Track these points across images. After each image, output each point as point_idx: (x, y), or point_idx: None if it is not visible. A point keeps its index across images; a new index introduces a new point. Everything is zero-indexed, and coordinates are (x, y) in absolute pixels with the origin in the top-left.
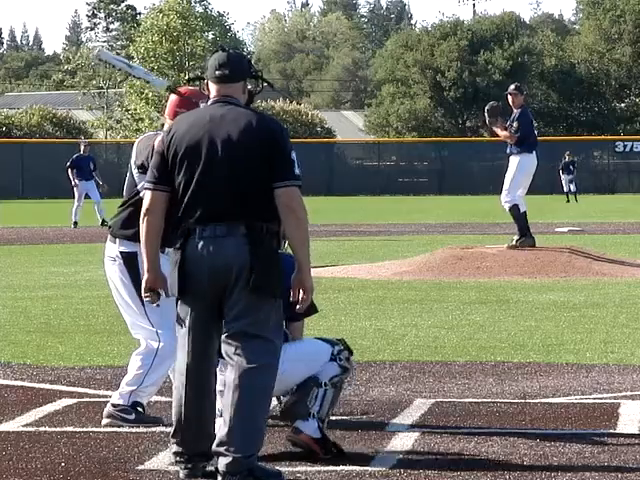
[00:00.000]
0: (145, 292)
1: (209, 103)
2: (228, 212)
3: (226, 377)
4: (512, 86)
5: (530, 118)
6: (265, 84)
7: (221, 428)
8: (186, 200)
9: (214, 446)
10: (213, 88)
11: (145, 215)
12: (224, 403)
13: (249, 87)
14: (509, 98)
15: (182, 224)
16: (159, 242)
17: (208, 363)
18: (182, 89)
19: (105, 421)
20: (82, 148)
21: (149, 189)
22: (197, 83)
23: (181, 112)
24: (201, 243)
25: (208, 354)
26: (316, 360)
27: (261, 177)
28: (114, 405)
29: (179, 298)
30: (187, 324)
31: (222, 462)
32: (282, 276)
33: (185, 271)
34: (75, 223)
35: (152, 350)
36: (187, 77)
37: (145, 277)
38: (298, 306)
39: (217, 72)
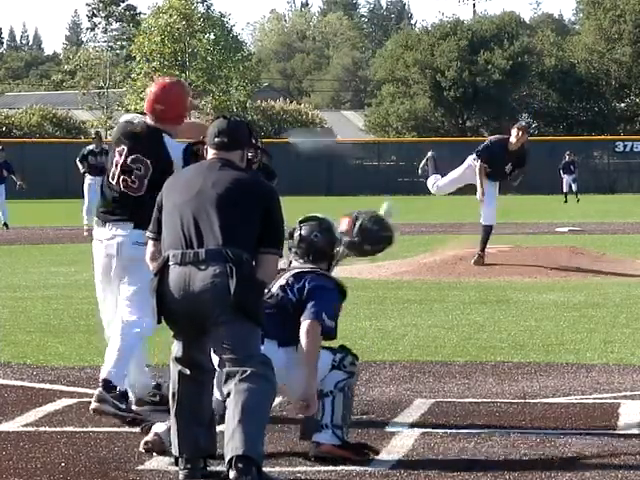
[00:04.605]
0: None
1: (206, 159)
2: (208, 239)
3: (226, 392)
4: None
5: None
6: (264, 153)
7: (225, 437)
8: (169, 226)
9: (226, 459)
10: (210, 152)
11: (150, 262)
12: (226, 419)
13: (249, 155)
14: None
15: (164, 250)
16: None
17: (200, 369)
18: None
19: (95, 405)
20: None
21: (151, 239)
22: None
23: (159, 108)
24: (179, 269)
25: (199, 361)
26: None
27: (246, 220)
28: (108, 388)
29: (165, 322)
30: (179, 336)
31: (232, 473)
32: (263, 306)
33: (163, 297)
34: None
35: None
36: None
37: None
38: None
39: (216, 139)
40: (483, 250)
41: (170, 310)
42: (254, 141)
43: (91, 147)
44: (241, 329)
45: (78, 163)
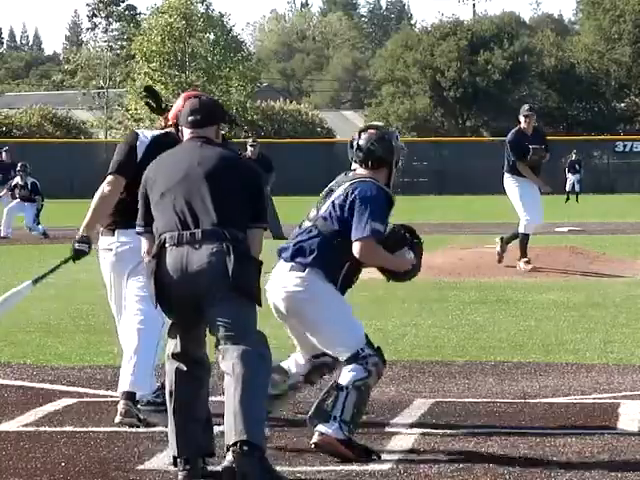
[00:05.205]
0: None
1: (185, 140)
2: (203, 219)
3: (225, 376)
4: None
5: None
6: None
7: (225, 426)
8: (162, 211)
9: (226, 446)
10: (186, 132)
11: (145, 257)
12: (225, 399)
13: (222, 132)
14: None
15: (158, 233)
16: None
17: (196, 364)
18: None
19: (120, 419)
20: (4, 155)
21: (141, 233)
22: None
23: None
24: (176, 250)
25: (196, 357)
26: (346, 331)
27: (235, 196)
28: (132, 399)
29: (161, 307)
30: (174, 331)
31: (235, 459)
32: (259, 283)
33: (161, 279)
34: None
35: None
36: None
37: None
38: None
39: (190, 118)
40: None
41: (167, 292)
42: (229, 118)
43: (17, 180)
44: (238, 307)
45: (5, 191)
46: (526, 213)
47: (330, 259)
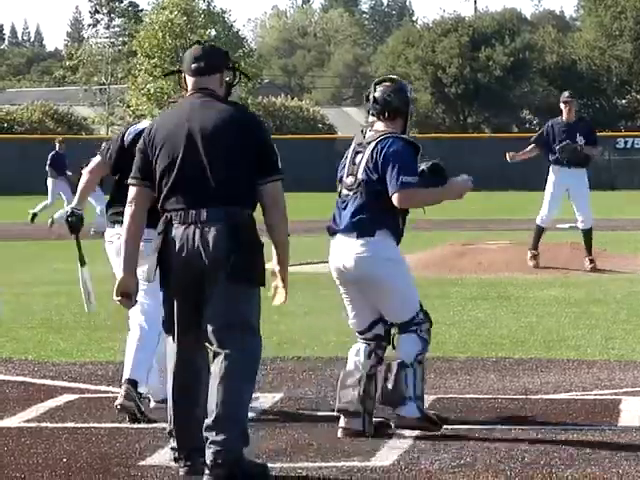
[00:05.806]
0: (117, 296)
1: (187, 95)
2: (209, 198)
3: (211, 368)
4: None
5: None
6: (242, 75)
7: (207, 418)
8: (167, 187)
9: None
10: (190, 81)
11: (129, 207)
12: (209, 393)
13: (226, 79)
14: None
15: (164, 210)
16: (140, 237)
17: (196, 362)
18: None
19: (121, 401)
20: (57, 145)
21: (134, 185)
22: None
23: None
24: (182, 228)
25: (196, 353)
26: (408, 298)
27: (240, 164)
28: (135, 386)
29: (161, 288)
30: (174, 321)
31: (209, 453)
32: (263, 263)
33: (165, 256)
34: (35, 215)
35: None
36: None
37: (119, 278)
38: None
39: (193, 65)
40: (591, 253)
41: (170, 270)
42: (230, 65)
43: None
44: (236, 297)
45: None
46: (547, 209)
47: (388, 217)
